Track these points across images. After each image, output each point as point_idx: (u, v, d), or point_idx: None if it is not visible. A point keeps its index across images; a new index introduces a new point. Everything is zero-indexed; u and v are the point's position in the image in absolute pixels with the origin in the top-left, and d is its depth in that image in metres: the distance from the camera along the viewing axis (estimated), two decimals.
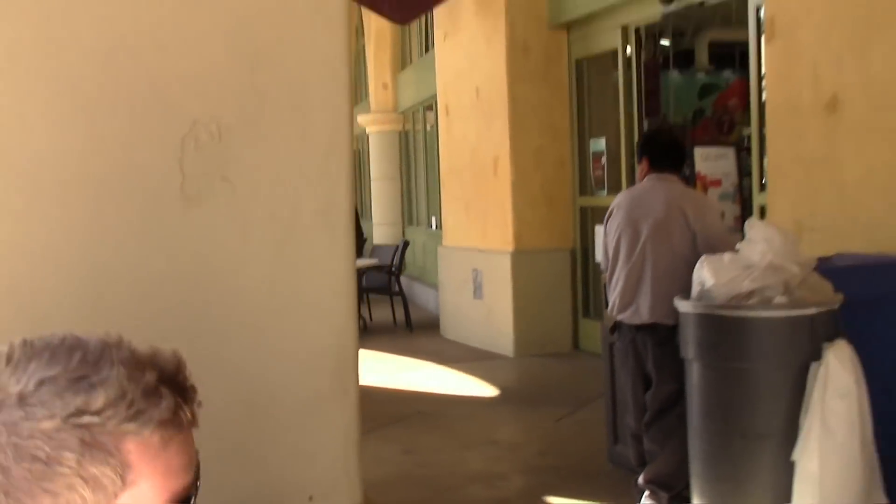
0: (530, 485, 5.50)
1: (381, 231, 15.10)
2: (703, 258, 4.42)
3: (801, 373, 4.10)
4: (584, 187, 9.20)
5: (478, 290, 9.91)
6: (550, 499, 5.24)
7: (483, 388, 8.10)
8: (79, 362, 0.99)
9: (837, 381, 4.03)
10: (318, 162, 1.76)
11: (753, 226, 4.36)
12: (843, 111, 5.42)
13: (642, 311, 4.84)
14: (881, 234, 5.18)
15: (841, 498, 4.00)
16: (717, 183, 6.43)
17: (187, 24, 1.68)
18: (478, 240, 9.92)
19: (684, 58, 9.52)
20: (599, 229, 6.00)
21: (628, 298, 4.90)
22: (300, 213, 1.76)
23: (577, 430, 6.39)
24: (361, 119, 16.00)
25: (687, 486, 4.52)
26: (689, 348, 4.42)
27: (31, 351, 1.01)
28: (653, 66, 8.91)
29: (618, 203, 5.09)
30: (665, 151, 5.03)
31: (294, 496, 1.77)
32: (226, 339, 1.73)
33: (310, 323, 1.77)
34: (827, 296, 4.31)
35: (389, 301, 11.64)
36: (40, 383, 0.97)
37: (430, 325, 11.18)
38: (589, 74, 9.18)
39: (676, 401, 4.59)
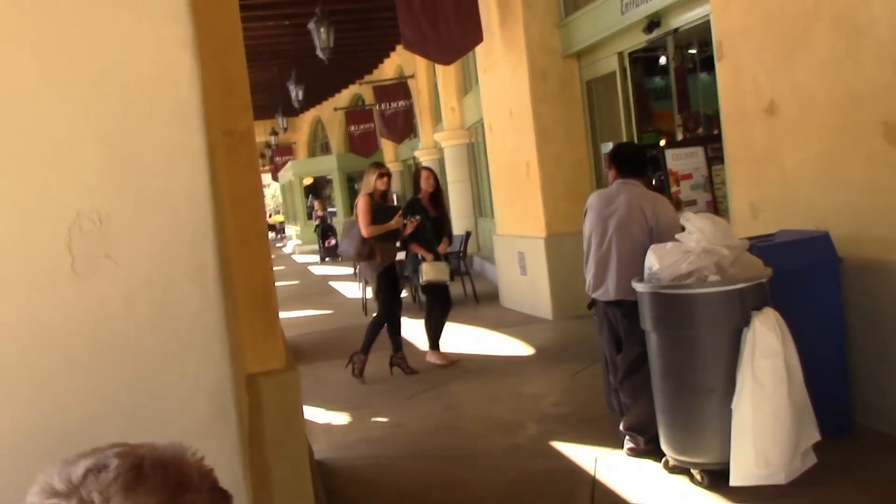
0: (541, 431, 5.35)
1: (458, 222, 14.97)
2: (651, 247, 4.24)
3: (735, 337, 3.90)
4: (600, 182, 8.93)
5: (523, 268, 9.76)
6: (555, 443, 5.08)
7: (522, 348, 7.94)
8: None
9: (764, 343, 3.81)
10: (187, 236, 1.68)
11: (689, 218, 4.14)
12: (779, 114, 5.11)
13: (610, 290, 4.67)
14: (816, 213, 4.89)
15: (771, 439, 3.78)
16: (689, 176, 6.16)
17: (69, 130, 1.61)
18: (520, 228, 9.76)
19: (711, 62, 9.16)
20: None
21: (599, 280, 4.74)
22: (174, 277, 1.67)
23: (589, 382, 6.20)
24: (437, 136, 15.94)
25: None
26: (646, 321, 4.24)
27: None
28: (682, 71, 8.61)
29: (591, 203, 4.93)
30: (629, 161, 4.87)
31: None
32: (116, 388, 1.66)
33: (189, 368, 1.68)
34: (756, 271, 4.08)
35: (461, 279, 11.54)
36: None
37: (495, 297, 11.04)
38: (598, 92, 8.90)
39: (643, 362, 4.40)
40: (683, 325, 4.06)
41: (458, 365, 7.41)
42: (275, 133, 26.08)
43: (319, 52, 12.08)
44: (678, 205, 6.01)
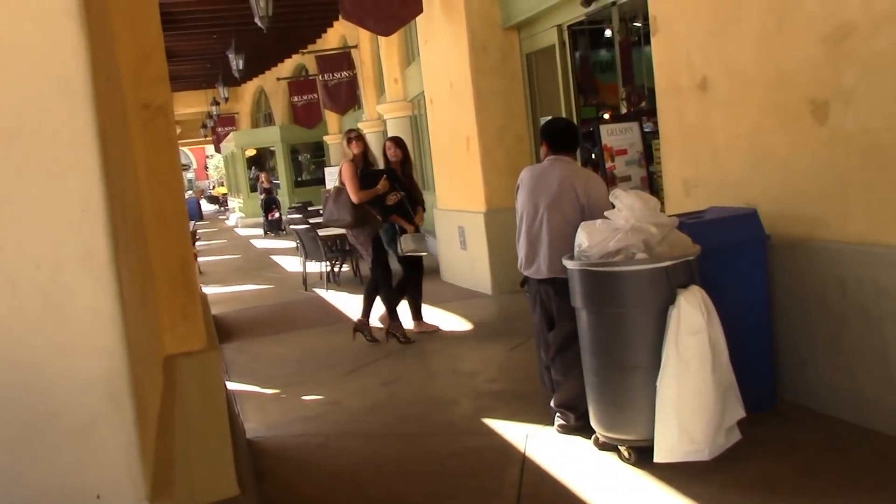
0: (475, 408, 5.36)
1: None
2: (581, 224, 4.25)
3: (661, 315, 3.93)
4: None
5: (462, 243, 9.75)
6: (488, 420, 5.10)
7: (460, 323, 7.94)
8: None
9: (689, 320, 3.85)
10: (75, 218, 1.60)
11: (618, 196, 4.15)
12: (711, 90, 5.14)
13: (542, 268, 4.67)
14: (746, 190, 4.95)
15: (695, 416, 3.83)
16: (624, 152, 6.18)
17: None
18: (460, 203, 9.74)
19: None
20: None
21: (531, 257, 4.74)
22: (62, 263, 1.60)
23: (525, 358, 6.21)
24: (380, 108, 15.80)
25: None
26: (577, 298, 4.25)
27: None
28: (626, 44, 8.61)
29: (522, 178, 4.91)
30: (561, 136, 4.85)
31: (81, 496, 1.64)
32: (4, 378, 1.60)
33: (79, 355, 1.62)
34: (683, 249, 4.11)
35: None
36: None
37: (436, 272, 11.01)
38: (537, 65, 8.87)
39: (574, 339, 4.43)
40: (611, 302, 4.08)
41: (392, 342, 7.36)
42: (216, 103, 25.58)
43: (258, 21, 11.84)
44: (612, 180, 6.03)
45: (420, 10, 9.42)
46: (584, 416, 4.45)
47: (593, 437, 4.40)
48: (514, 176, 8.50)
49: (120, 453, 1.66)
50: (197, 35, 17.96)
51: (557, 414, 4.72)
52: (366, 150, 7.45)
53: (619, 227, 4.06)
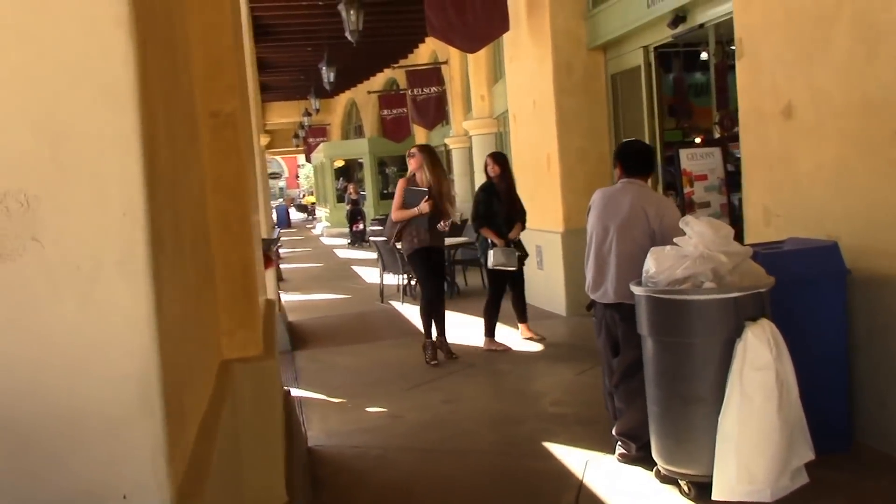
0: (536, 430, 5.28)
1: None
2: (651, 249, 4.16)
3: (727, 347, 3.81)
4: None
5: (540, 262, 9.68)
6: (548, 443, 5.02)
7: (531, 343, 7.87)
8: None
9: (755, 354, 3.71)
10: (116, 221, 1.64)
11: (689, 222, 4.04)
12: (796, 116, 4.98)
13: (609, 292, 4.59)
14: (827, 221, 4.77)
15: (757, 455, 3.69)
16: (704, 177, 6.03)
17: None
18: (539, 221, 9.65)
19: None
20: None
21: (598, 281, 4.66)
22: (101, 265, 1.64)
23: (592, 383, 6.10)
24: (466, 124, 15.86)
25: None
26: (642, 325, 4.16)
27: None
28: (722, 67, 8.44)
29: (594, 200, 4.85)
30: (635, 159, 4.77)
31: (110, 493, 1.67)
32: (33, 375, 1.65)
33: (113, 356, 1.66)
34: (754, 280, 3.97)
35: (480, 271, 11.46)
36: None
37: None
38: (622, 86, 8.77)
39: (639, 367, 4.33)
40: (676, 331, 3.98)
41: (464, 359, 7.35)
42: (308, 114, 26.12)
43: (348, 35, 12.06)
44: (690, 206, 5.89)
45: (506, 29, 9.43)
46: (646, 447, 4.34)
47: (654, 468, 4.28)
48: None
49: (147, 455, 1.69)
50: (292, 47, 18.40)
51: (619, 442, 4.62)
52: (421, 166, 7.33)
53: (687, 254, 3.96)
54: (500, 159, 7.88)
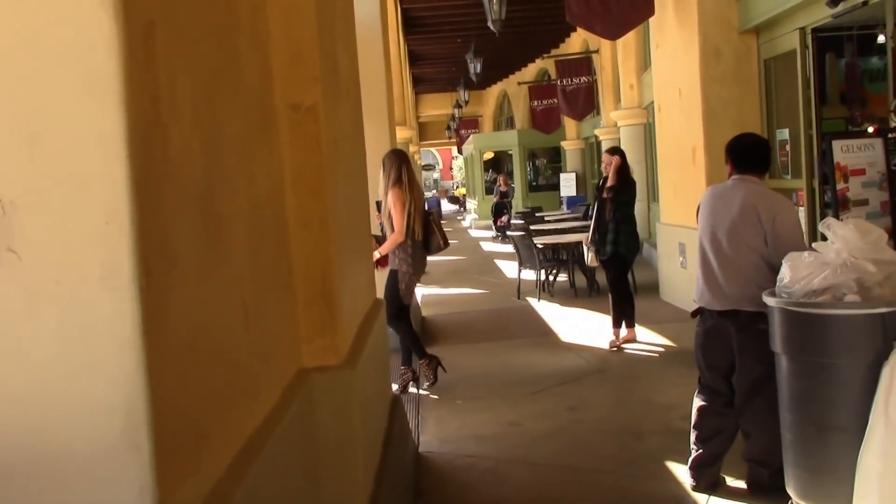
0: (659, 447, 4.86)
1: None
2: (787, 255, 3.68)
3: (872, 370, 3.29)
4: (773, 172, 8.06)
5: (683, 261, 9.12)
6: (671, 463, 4.61)
7: (666, 349, 7.39)
8: None
9: None
10: (99, 229, 1.46)
11: (831, 225, 3.54)
12: None
13: (721, 299, 4.12)
14: None
15: None
16: (861, 172, 5.37)
17: None
18: (682, 218, 9.10)
19: None
20: None
21: (709, 286, 4.20)
22: (83, 279, 1.46)
23: None
24: (614, 114, 15.30)
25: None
26: (776, 341, 3.68)
27: None
28: None
29: (704, 200, 4.41)
30: (747, 154, 4.28)
31: None
32: (15, 404, 1.49)
33: (97, 384, 1.48)
34: None
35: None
36: None
37: (655, 288, 10.41)
38: (776, 72, 8.07)
39: (765, 383, 3.87)
40: (811, 349, 3.49)
41: (592, 363, 6.97)
42: (458, 105, 26.12)
43: (490, 24, 11.81)
44: (844, 204, 5.27)
45: (651, 13, 8.92)
46: (779, 473, 3.87)
47: (789, 502, 3.80)
48: None
49: (131, 499, 1.50)
50: (441, 39, 18.38)
51: (749, 468, 4.16)
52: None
53: (828, 261, 3.46)
54: (616, 156, 7.70)
